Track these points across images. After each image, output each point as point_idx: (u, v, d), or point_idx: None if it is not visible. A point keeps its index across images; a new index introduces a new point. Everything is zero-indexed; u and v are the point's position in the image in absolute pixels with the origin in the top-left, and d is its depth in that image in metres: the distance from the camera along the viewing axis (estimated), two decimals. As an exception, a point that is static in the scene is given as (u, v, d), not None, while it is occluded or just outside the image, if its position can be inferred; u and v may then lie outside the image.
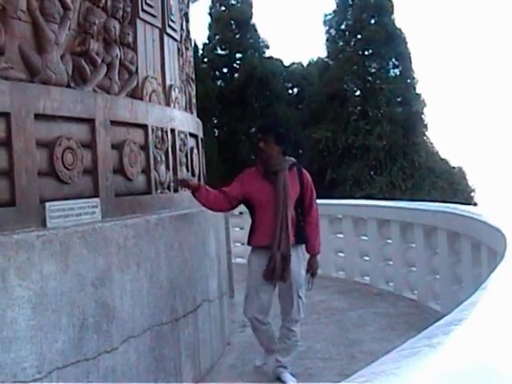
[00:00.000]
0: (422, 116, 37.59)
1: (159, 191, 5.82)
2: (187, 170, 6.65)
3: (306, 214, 6.08)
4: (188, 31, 7.83)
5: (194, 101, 7.80)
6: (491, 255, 6.43)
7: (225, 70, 39.77)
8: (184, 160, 6.56)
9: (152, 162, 5.76)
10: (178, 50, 6.98)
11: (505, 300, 2.83)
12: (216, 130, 37.51)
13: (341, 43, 38.22)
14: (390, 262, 10.46)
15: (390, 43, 36.70)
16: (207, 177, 7.86)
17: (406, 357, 1.89)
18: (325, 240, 11.79)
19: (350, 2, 37.62)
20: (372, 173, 35.86)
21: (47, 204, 4.38)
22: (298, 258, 6.03)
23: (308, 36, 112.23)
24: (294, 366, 6.29)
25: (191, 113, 7.47)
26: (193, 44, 8.49)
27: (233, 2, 39.75)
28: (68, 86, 4.96)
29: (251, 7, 39.46)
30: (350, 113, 36.99)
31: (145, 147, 5.67)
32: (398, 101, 36.98)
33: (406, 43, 37.52)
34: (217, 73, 39.40)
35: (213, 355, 6.63)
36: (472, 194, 37.58)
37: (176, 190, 6.27)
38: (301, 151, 37.85)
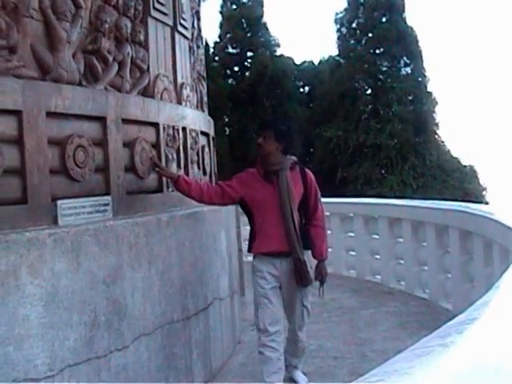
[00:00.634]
0: (434, 114, 37.51)
1: (170, 189, 5.81)
2: (198, 169, 6.64)
3: (311, 216, 5.70)
4: (199, 29, 7.82)
5: (205, 99, 7.79)
6: (503, 254, 6.42)
7: (236, 69, 39.78)
8: (195, 158, 6.56)
9: (163, 160, 5.76)
10: (190, 48, 6.97)
11: (518, 299, 2.82)
12: (227, 129, 37.53)
13: (352, 41, 38.15)
14: (402, 261, 10.44)
15: (401, 41, 36.61)
16: (218, 175, 7.85)
17: (419, 356, 1.88)
18: (336, 239, 11.85)
19: (362, 1, 37.57)
20: (383, 171, 35.80)
21: (59, 202, 4.39)
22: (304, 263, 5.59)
23: (319, 34, 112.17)
24: (306, 364, 6.28)
25: (203, 111, 7.46)
26: (204, 42, 8.49)
27: (244, 0, 39.74)
28: (80, 84, 4.96)
29: (262, 5, 39.46)
30: (361, 111, 36.94)
31: (156, 145, 5.67)
32: (409, 99, 36.90)
33: (418, 41, 37.43)
34: (228, 71, 39.41)
35: (224, 353, 6.63)
36: (483, 192, 37.46)
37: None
38: (312, 150, 37.84)
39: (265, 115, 36.27)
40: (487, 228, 7.23)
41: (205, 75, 7.97)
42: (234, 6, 39.71)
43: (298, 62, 40.91)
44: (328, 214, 12.17)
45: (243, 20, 39.13)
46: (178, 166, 6.09)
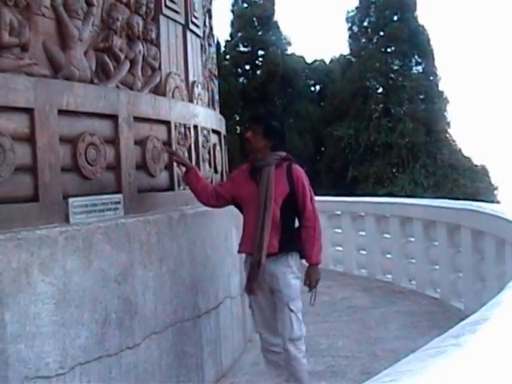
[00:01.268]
0: (445, 113, 37.47)
1: (182, 187, 5.81)
2: (210, 167, 6.64)
3: (301, 216, 5.27)
4: (211, 28, 7.82)
5: (216, 97, 7.79)
6: (516, 254, 6.39)
7: (247, 67, 39.82)
8: (207, 156, 6.55)
9: (175, 158, 5.75)
10: (201, 46, 6.97)
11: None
12: (238, 127, 37.51)
13: (363, 40, 38.16)
14: (413, 260, 10.41)
15: (412, 40, 36.57)
16: (229, 174, 7.84)
17: (433, 356, 1.86)
18: (347, 237, 11.83)
19: (373, -1, 37.53)
20: (394, 170, 35.77)
21: (70, 200, 4.39)
22: (288, 268, 5.16)
23: (330, 33, 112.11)
24: (316, 363, 6.27)
25: (214, 109, 7.46)
26: (215, 41, 8.48)
27: (255, -2, 39.76)
28: (91, 82, 4.96)
29: (273, 4, 39.46)
30: (373, 110, 36.93)
31: (168, 143, 5.67)
32: (420, 98, 36.87)
33: (429, 40, 37.37)
34: (239, 70, 39.46)
35: (234, 352, 6.63)
36: (495, 192, 37.36)
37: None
38: (323, 149, 37.83)
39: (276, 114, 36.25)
40: (499, 227, 7.20)
41: (216, 73, 7.96)
42: (246, 5, 39.76)
43: (309, 60, 40.92)
44: (339, 212, 12.19)
45: (254, 18, 39.15)
46: (190, 164, 6.08)
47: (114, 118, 4.93)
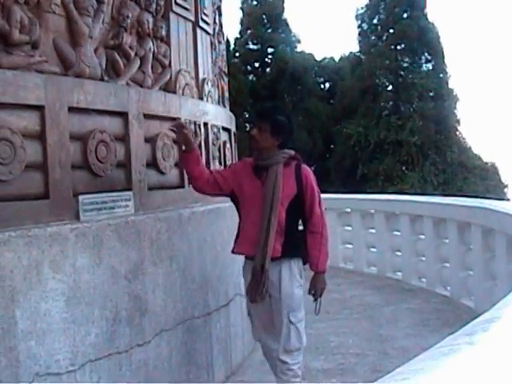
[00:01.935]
0: (455, 111, 37.46)
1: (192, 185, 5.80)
2: (220, 164, 6.63)
3: (308, 221, 4.94)
4: (221, 25, 7.81)
5: (226, 95, 7.78)
6: (527, 252, 6.36)
7: (256, 65, 39.88)
8: (217, 154, 6.55)
9: (184, 155, 5.74)
10: (211, 43, 6.96)
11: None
12: (247, 125, 37.52)
13: (373, 38, 38.19)
14: (423, 258, 10.39)
15: (422, 38, 36.57)
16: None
17: (446, 354, 1.86)
18: (357, 235, 11.82)
19: (383, -3, 37.52)
20: (404, 168, 35.76)
21: (80, 197, 4.39)
22: (291, 275, 4.83)
23: (340, 30, 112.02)
24: (326, 361, 6.26)
25: (224, 107, 7.45)
26: (225, 38, 8.48)
27: (264, -4, 39.79)
28: (101, 79, 4.96)
29: (283, 1, 39.57)
30: (382, 108, 36.94)
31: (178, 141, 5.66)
32: (430, 96, 36.85)
33: (439, 38, 37.37)
34: (248, 67, 39.53)
35: (244, 350, 6.63)
36: (505, 189, 37.31)
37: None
38: (332, 146, 37.84)
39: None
40: (510, 225, 7.17)
41: (226, 71, 7.96)
42: (255, 2, 39.84)
43: (318, 58, 40.99)
44: (349, 210, 12.17)
45: (264, 16, 39.23)
46: (200, 161, 6.08)
47: (124, 115, 4.93)
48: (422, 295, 9.57)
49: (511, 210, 7.42)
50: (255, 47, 39.89)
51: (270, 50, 39.70)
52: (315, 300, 5.01)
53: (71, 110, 4.41)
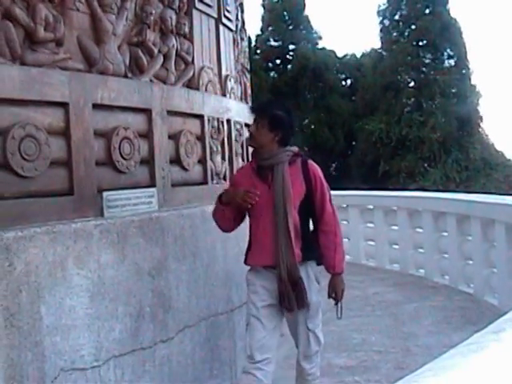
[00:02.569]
0: (477, 107, 37.21)
1: (215, 181, 5.81)
2: (243, 161, 6.63)
3: (319, 220, 4.63)
4: (243, 21, 7.81)
5: (249, 91, 7.78)
6: (552, 249, 6.31)
7: (278, 62, 39.88)
8: (240, 151, 6.55)
9: (208, 152, 5.75)
10: (234, 40, 6.96)
11: None
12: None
13: (395, 34, 38.02)
14: (446, 255, 10.34)
15: (444, 33, 36.35)
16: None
17: (474, 351, 1.85)
18: (379, 232, 11.78)
19: (405, -8, 37.35)
20: (426, 165, 35.61)
21: (104, 193, 4.41)
22: (309, 280, 4.56)
23: (361, 27, 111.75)
24: (349, 358, 6.25)
25: (246, 103, 7.45)
26: (247, 35, 8.48)
27: (285, -8, 39.75)
28: (125, 76, 4.97)
29: (304, -2, 39.44)
30: (404, 104, 36.80)
31: (201, 137, 5.67)
32: (452, 92, 36.65)
33: (461, 33, 37.14)
34: (270, 64, 39.53)
35: (267, 346, 6.62)
36: (528, 186, 37.02)
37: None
38: (354, 143, 37.77)
39: (307, 108, 36.42)
40: (534, 222, 7.13)
41: (248, 67, 7.95)
42: (276, -1, 39.75)
43: (340, 54, 40.92)
44: (371, 207, 12.14)
45: (285, 13, 39.21)
46: (223, 158, 6.09)
47: (147, 111, 4.95)
48: (445, 292, 9.54)
49: (535, 206, 7.37)
50: (276, 44, 39.88)
51: (291, 46, 39.68)
52: (336, 304, 4.74)
53: (95, 106, 4.43)
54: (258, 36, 39.68)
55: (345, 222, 12.69)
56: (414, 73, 37.37)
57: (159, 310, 4.62)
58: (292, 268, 4.38)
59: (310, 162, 4.65)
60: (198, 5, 6.00)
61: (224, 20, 6.55)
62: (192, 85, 5.78)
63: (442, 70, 36.82)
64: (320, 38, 40.58)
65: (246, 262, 4.73)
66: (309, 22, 39.96)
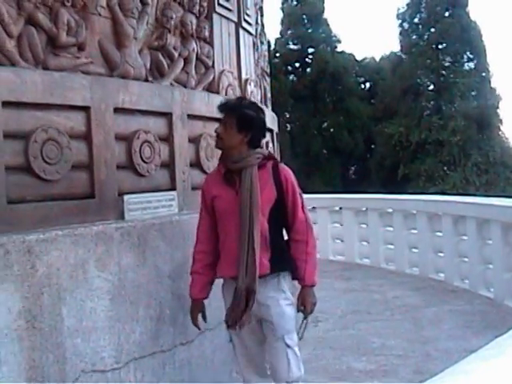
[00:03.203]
0: (497, 110, 36.99)
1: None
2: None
3: (290, 228, 4.20)
4: (263, 25, 7.83)
5: (269, 95, 7.79)
6: None
7: (297, 65, 39.88)
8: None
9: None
10: (254, 44, 6.99)
11: None
12: (288, 125, 37.59)
13: (414, 37, 37.89)
14: (466, 259, 10.27)
15: (464, 36, 36.20)
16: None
17: (495, 356, 1.85)
18: (398, 236, 11.74)
19: (424, -5, 37.23)
20: (445, 168, 35.43)
21: (125, 197, 4.45)
22: (280, 292, 4.12)
23: (381, 30, 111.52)
24: (368, 362, 6.23)
25: (266, 107, 7.47)
26: (267, 38, 8.50)
27: (305, -4, 39.76)
28: (146, 80, 5.02)
29: (323, 1, 39.55)
30: (423, 107, 36.66)
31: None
32: (472, 95, 36.47)
33: (481, 36, 36.96)
34: (289, 67, 39.53)
35: (287, 349, 6.62)
36: (549, 190, 36.76)
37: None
38: (373, 146, 37.69)
39: (326, 111, 36.40)
40: (555, 226, 7.09)
41: (268, 71, 7.97)
42: (295, 2, 39.82)
43: (359, 58, 40.91)
44: (390, 210, 12.09)
45: (304, 16, 39.22)
46: (242, 161, 6.10)
47: (168, 115, 4.98)
48: (465, 297, 9.47)
49: (556, 210, 7.33)
50: (296, 47, 39.88)
51: (310, 50, 39.67)
52: (304, 318, 4.23)
53: (116, 110, 4.48)
54: (277, 39, 39.70)
55: (364, 226, 12.68)
56: (434, 76, 37.24)
57: (179, 312, 4.63)
58: (250, 280, 3.94)
59: (282, 165, 4.28)
60: (218, 9, 6.03)
61: (244, 24, 6.58)
62: (212, 88, 5.81)
63: (461, 73, 36.66)
64: (339, 41, 40.57)
65: (216, 274, 4.28)
66: (328, 25, 39.95)
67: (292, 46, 39.97)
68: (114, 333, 4.10)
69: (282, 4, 39.95)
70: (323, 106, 37.51)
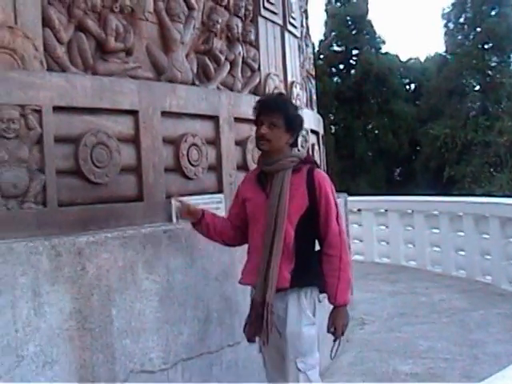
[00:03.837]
0: (545, 110, 36.37)
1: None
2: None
3: (322, 241, 3.84)
4: (307, 28, 7.84)
5: (314, 97, 7.80)
6: None
7: (341, 67, 39.73)
8: (311, 155, 6.59)
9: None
10: (299, 46, 7.01)
11: None
12: (333, 127, 37.47)
13: (459, 37, 37.45)
14: (514, 262, 10.17)
15: (511, 35, 35.66)
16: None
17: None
18: (444, 238, 11.64)
19: (470, -6, 36.79)
20: (492, 170, 34.93)
21: (173, 199, 4.49)
22: (299, 309, 3.81)
23: (425, 31, 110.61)
24: (415, 365, 6.20)
25: (312, 109, 7.48)
26: (312, 41, 8.51)
27: (348, -3, 39.64)
28: (193, 83, 5.07)
29: (367, 2, 39.32)
30: (469, 108, 36.21)
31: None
32: (519, 95, 35.90)
33: (529, 35, 36.37)
34: (333, 69, 39.40)
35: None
36: None
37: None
38: (418, 148, 37.38)
39: (370, 113, 36.22)
40: None
41: (313, 73, 7.98)
42: (339, 4, 39.68)
43: (403, 59, 40.62)
44: (436, 213, 11.99)
45: (348, 17, 39.07)
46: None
47: (215, 118, 5.03)
48: (514, 300, 9.37)
49: None
50: (340, 49, 39.73)
51: (354, 51, 39.49)
52: (334, 340, 4.01)
53: (164, 114, 4.53)
54: (321, 41, 39.60)
55: (410, 228, 12.60)
56: (480, 76, 36.78)
57: (226, 314, 4.67)
58: (267, 291, 3.68)
59: (318, 171, 3.88)
60: (264, 12, 6.06)
61: (289, 27, 6.59)
62: (258, 91, 5.83)
63: (508, 73, 36.15)
64: (383, 42, 40.31)
65: (239, 280, 4.10)
66: (372, 26, 39.73)
67: (336, 48, 39.83)
68: (163, 334, 4.14)
69: (326, 5, 39.86)
70: (368, 108, 37.32)
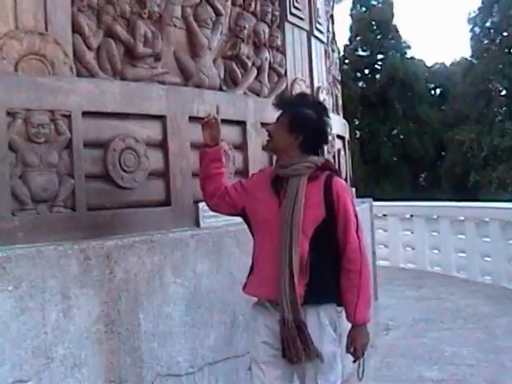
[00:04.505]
0: None
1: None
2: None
3: (341, 254, 3.48)
4: (333, 33, 7.85)
5: (340, 102, 7.81)
6: None
7: (366, 72, 39.68)
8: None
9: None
10: (325, 52, 7.02)
11: None
12: (358, 132, 37.39)
13: (486, 41, 37.24)
14: (541, 268, 10.10)
15: (538, 40, 35.43)
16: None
17: None
18: (470, 243, 11.58)
19: (496, -1, 36.56)
20: (518, 175, 34.68)
21: (200, 204, 4.50)
22: (320, 326, 3.48)
23: (451, 35, 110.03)
24: (440, 371, 6.18)
25: (338, 114, 7.48)
26: (338, 46, 8.51)
27: (373, 2, 39.68)
28: (220, 89, 5.10)
29: (392, 7, 39.23)
30: (496, 113, 36.01)
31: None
32: (547, 100, 35.64)
33: (557, 39, 36.09)
34: (358, 74, 39.36)
35: (357, 357, 6.60)
36: None
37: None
38: (443, 153, 37.21)
39: (396, 118, 36.12)
40: None
41: (339, 79, 7.99)
42: (364, 9, 39.64)
43: (429, 63, 40.54)
44: (462, 218, 11.94)
45: (373, 22, 39.03)
46: (315, 169, 6.12)
47: (242, 124, 5.05)
48: (541, 307, 9.31)
49: None
50: (365, 54, 39.70)
51: (379, 56, 39.44)
52: (355, 361, 3.67)
53: (191, 119, 4.55)
54: (346, 46, 39.57)
55: (435, 234, 12.56)
56: (506, 81, 36.52)
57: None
58: (295, 308, 3.37)
59: (337, 179, 3.57)
60: (290, 18, 6.08)
61: (315, 32, 6.61)
62: (285, 97, 5.85)
63: (535, 78, 35.94)
64: (409, 47, 40.22)
65: (244, 289, 3.77)
66: (397, 31, 39.65)
67: (361, 53, 39.80)
68: (189, 338, 4.17)
69: (351, 10, 39.85)
70: (393, 113, 37.23)
